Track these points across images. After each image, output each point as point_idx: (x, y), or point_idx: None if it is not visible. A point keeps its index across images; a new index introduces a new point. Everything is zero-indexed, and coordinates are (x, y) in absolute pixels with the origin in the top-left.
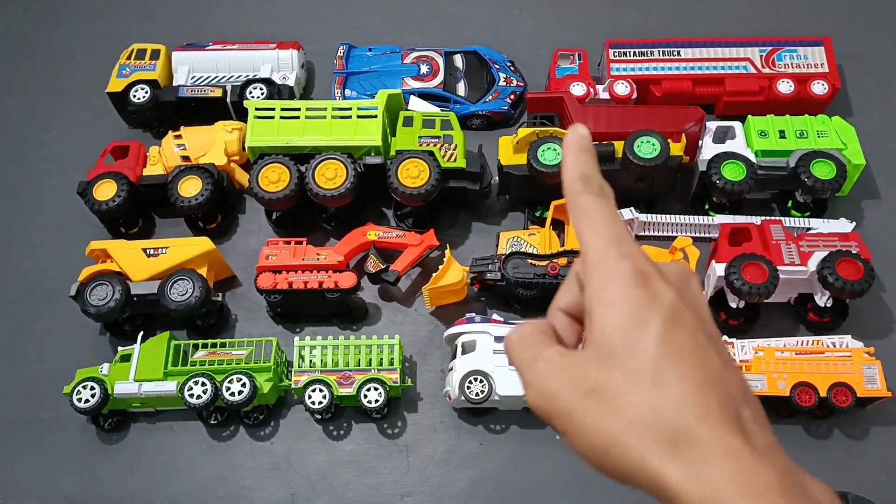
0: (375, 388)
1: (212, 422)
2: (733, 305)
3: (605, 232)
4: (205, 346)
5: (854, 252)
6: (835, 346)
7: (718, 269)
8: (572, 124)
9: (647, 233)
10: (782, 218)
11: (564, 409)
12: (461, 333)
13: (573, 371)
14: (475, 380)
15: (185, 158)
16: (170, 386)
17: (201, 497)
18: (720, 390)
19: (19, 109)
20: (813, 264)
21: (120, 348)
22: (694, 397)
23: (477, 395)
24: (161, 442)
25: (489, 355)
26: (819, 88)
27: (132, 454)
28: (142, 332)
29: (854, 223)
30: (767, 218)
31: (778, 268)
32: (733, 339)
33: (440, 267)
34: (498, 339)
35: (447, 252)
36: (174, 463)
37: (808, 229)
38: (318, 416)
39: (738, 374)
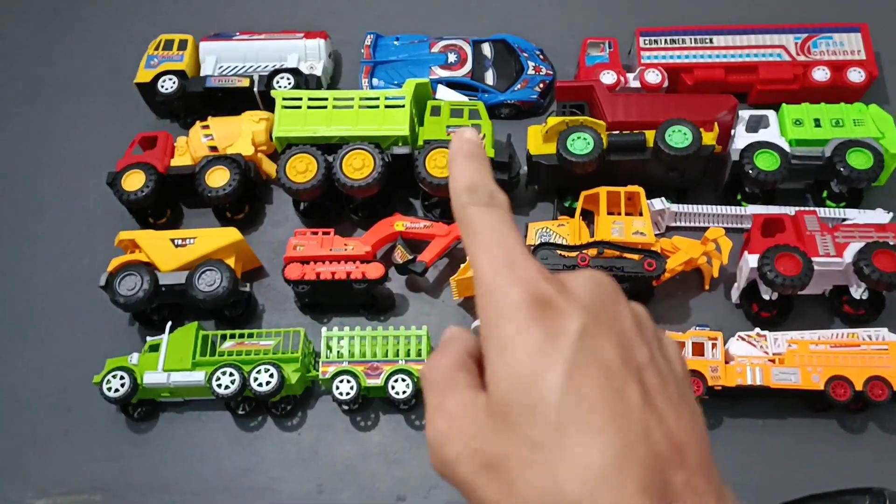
0: (403, 380)
1: (239, 412)
2: (766, 297)
3: (494, 251)
4: (232, 336)
5: (891, 243)
6: (871, 339)
7: (751, 260)
8: (464, 130)
9: (678, 223)
10: (817, 208)
11: (463, 481)
12: None
13: (472, 433)
14: None
15: (213, 149)
16: (198, 376)
17: (229, 487)
18: (643, 453)
19: (48, 101)
20: (849, 256)
21: (148, 338)
22: (606, 471)
23: None
24: (189, 432)
25: None
26: (856, 76)
27: (161, 444)
28: (170, 323)
29: (891, 213)
30: (802, 208)
31: (812, 259)
32: (766, 332)
33: (468, 257)
34: None
35: None
36: (202, 453)
37: (844, 220)
38: (346, 407)
39: (673, 411)
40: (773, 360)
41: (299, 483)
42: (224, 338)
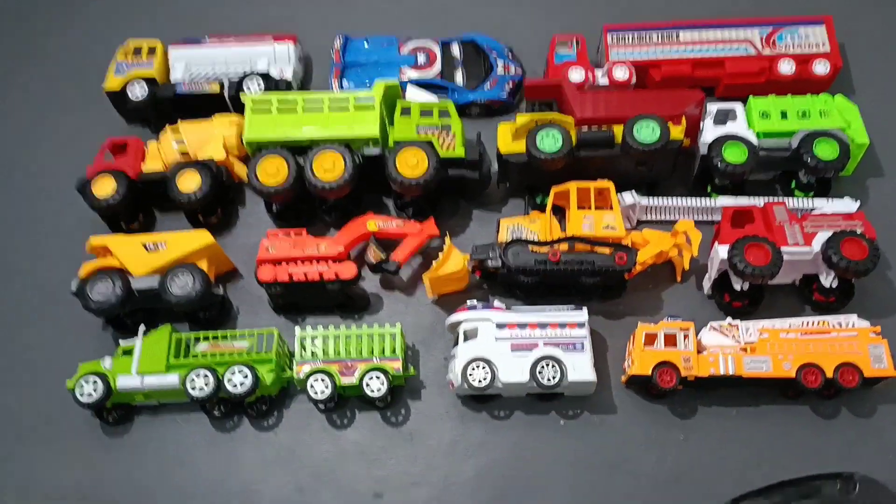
0: (378, 377)
1: (215, 413)
2: (737, 287)
3: None
4: (206, 338)
5: (859, 231)
6: (841, 326)
7: (721, 250)
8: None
9: (649, 217)
10: (786, 199)
11: None
12: (463, 321)
13: None
14: (477, 366)
15: (184, 154)
16: (172, 379)
17: (207, 490)
18: None
19: (17, 108)
20: (817, 245)
21: (122, 342)
22: None
23: (479, 381)
24: (165, 434)
25: (491, 342)
26: (821, 68)
27: (137, 447)
28: (143, 326)
29: (859, 202)
30: (771, 199)
31: (781, 249)
32: (738, 321)
33: (440, 255)
34: (500, 325)
35: (447, 240)
36: (179, 456)
37: (812, 210)
38: (322, 406)
39: None
40: (744, 349)
41: (278, 485)
42: (197, 340)
